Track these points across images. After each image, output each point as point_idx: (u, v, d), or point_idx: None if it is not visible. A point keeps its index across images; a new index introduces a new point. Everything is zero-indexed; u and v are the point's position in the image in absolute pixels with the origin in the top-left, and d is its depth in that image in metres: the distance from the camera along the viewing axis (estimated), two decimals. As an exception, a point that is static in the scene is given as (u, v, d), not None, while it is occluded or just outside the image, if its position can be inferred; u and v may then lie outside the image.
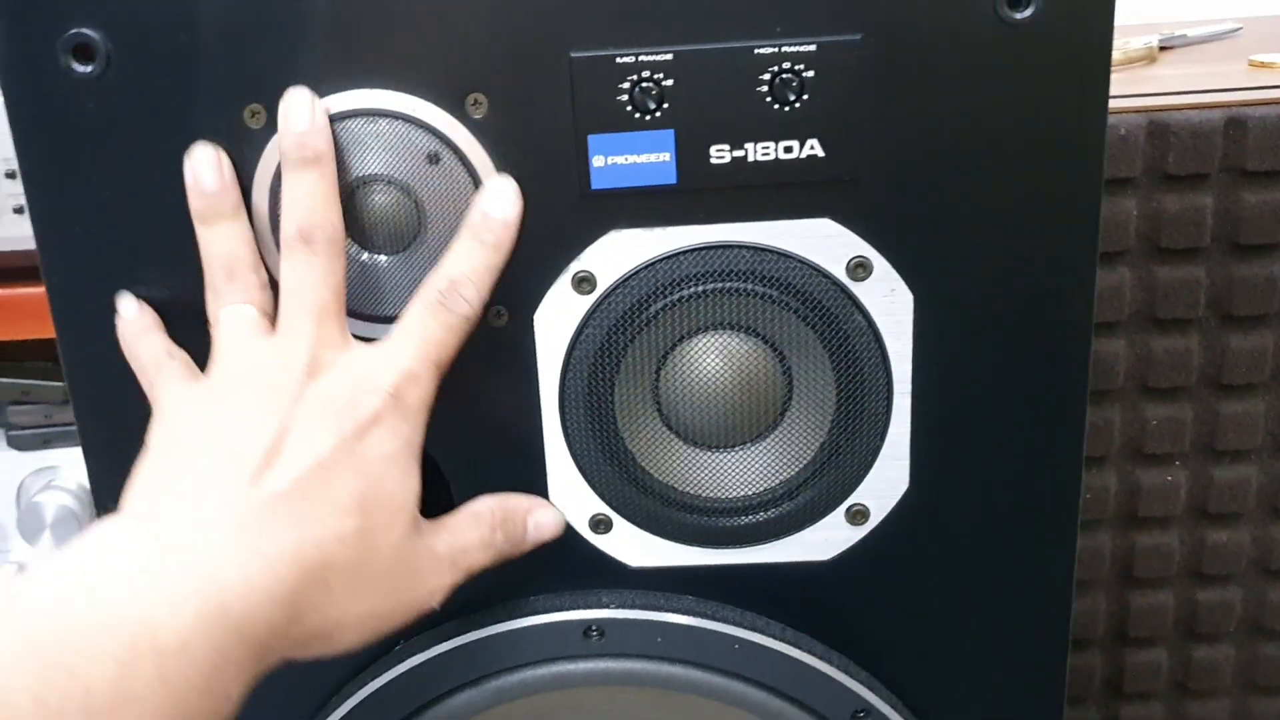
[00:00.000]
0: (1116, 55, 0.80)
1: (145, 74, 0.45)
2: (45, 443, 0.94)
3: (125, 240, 0.47)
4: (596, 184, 0.46)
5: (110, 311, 0.48)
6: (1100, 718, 0.76)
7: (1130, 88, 0.70)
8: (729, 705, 0.53)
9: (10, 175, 0.80)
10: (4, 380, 0.93)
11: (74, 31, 0.44)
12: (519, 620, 0.52)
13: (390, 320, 0.47)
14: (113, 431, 0.50)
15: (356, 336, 0.47)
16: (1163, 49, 0.85)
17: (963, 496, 0.51)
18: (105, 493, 0.51)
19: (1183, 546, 0.72)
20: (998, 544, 0.52)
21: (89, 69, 0.45)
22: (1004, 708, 0.54)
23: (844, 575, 0.52)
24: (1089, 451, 0.70)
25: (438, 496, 0.50)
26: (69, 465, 0.95)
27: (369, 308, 0.48)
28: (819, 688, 0.52)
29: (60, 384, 0.94)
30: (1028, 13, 0.45)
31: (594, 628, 0.52)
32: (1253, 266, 0.67)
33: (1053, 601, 0.53)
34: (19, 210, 0.81)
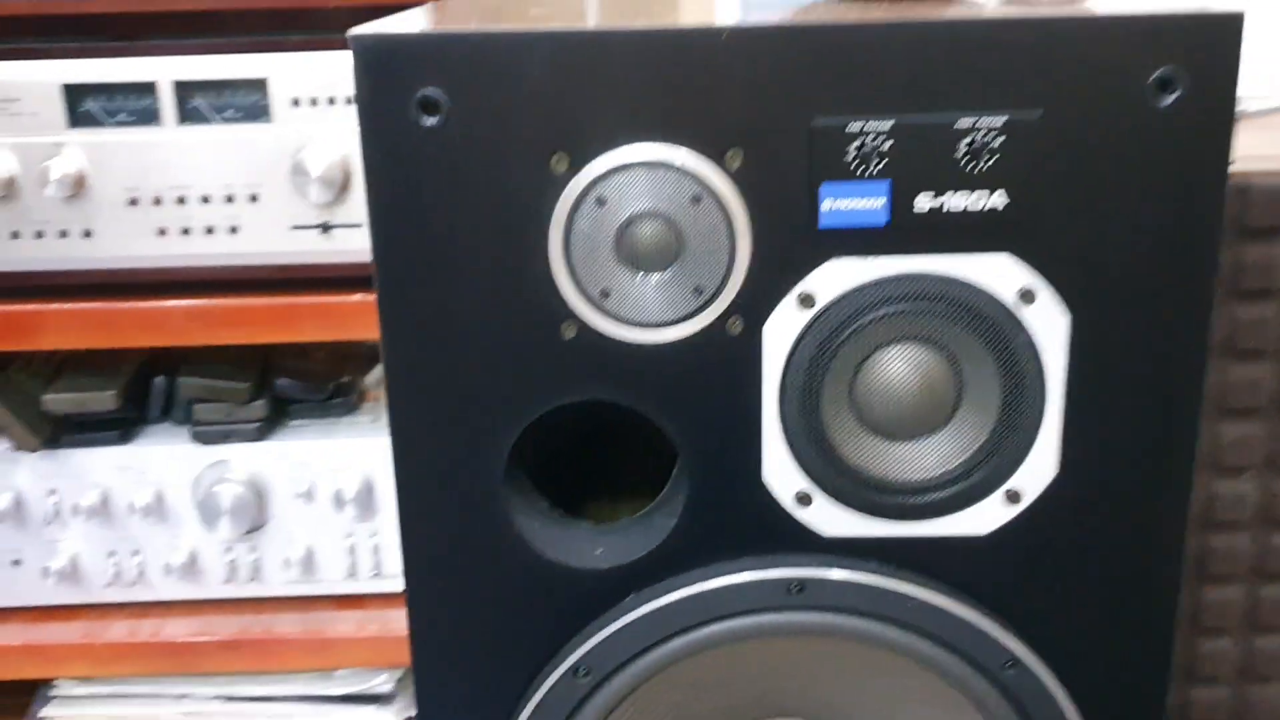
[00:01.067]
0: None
1: (474, 125, 0.57)
2: (224, 438, 1.06)
3: (449, 262, 0.59)
4: (823, 224, 0.58)
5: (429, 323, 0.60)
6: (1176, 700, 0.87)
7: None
8: (903, 654, 0.64)
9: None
10: (192, 380, 1.05)
11: (422, 91, 0.57)
12: (733, 577, 0.63)
13: (656, 325, 0.59)
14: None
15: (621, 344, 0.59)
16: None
17: (1099, 486, 0.63)
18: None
19: (1253, 546, 0.84)
20: (1124, 528, 0.63)
21: (433, 121, 0.57)
22: (1122, 665, 0.66)
23: (999, 548, 0.64)
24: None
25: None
26: (239, 459, 1.06)
27: (639, 316, 0.60)
28: (977, 641, 0.64)
29: (241, 384, 1.06)
30: (1170, 100, 0.57)
31: (795, 585, 0.63)
32: (1316, 307, 0.79)
33: (1166, 579, 0.64)
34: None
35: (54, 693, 1.14)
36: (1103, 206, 0.58)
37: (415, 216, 0.58)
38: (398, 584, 0.91)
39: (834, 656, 0.66)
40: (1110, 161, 0.58)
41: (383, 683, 1.11)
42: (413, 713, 1.06)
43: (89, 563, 1.08)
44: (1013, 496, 0.63)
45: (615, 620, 0.64)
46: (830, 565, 0.63)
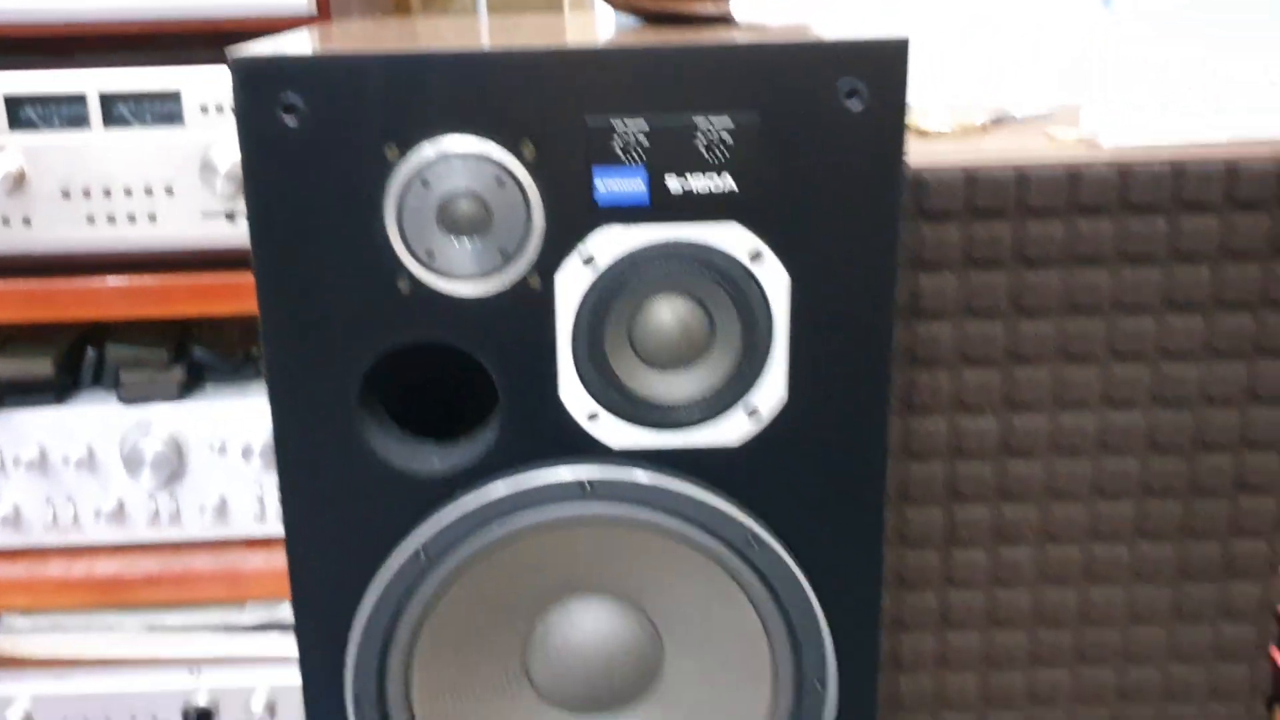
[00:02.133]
0: (956, 126, 1.12)
1: (326, 125, 0.75)
2: (147, 400, 1.22)
3: (310, 236, 0.76)
4: (600, 201, 0.76)
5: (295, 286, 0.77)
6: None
7: (961, 149, 1.01)
8: (673, 538, 0.82)
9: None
10: (119, 348, 1.21)
11: (284, 98, 0.74)
12: (539, 476, 0.81)
13: (471, 279, 0.77)
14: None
15: (446, 296, 0.76)
16: (995, 123, 1.17)
17: (819, 406, 0.81)
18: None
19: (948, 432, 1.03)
20: (840, 436, 0.82)
21: (294, 122, 0.74)
22: (843, 540, 0.84)
23: (746, 454, 0.82)
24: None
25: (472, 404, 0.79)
26: (160, 418, 1.23)
27: (458, 272, 0.77)
28: (728, 525, 0.82)
29: (162, 353, 1.22)
30: (857, 106, 0.75)
31: (587, 483, 0.81)
32: (1037, 274, 0.98)
33: (873, 473, 0.83)
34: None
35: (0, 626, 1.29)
36: (809, 189, 0.77)
37: (282, 201, 0.76)
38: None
39: (624, 543, 0.83)
40: (814, 154, 0.76)
41: (289, 613, 1.27)
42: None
43: (29, 510, 1.24)
44: (753, 413, 0.81)
45: (447, 513, 0.81)
46: (615, 467, 0.81)
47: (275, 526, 1.26)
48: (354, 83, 0.74)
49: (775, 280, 0.78)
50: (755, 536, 0.82)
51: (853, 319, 0.80)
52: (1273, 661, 1.13)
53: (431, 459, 0.83)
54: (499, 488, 0.81)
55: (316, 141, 0.75)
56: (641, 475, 0.81)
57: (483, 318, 0.78)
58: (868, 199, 0.77)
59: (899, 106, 0.76)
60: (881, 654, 1.08)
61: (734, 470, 0.82)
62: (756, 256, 0.78)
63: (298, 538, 0.83)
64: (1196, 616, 1.10)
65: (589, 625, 0.88)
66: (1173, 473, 1.05)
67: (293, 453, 0.82)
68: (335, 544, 0.83)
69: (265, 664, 1.27)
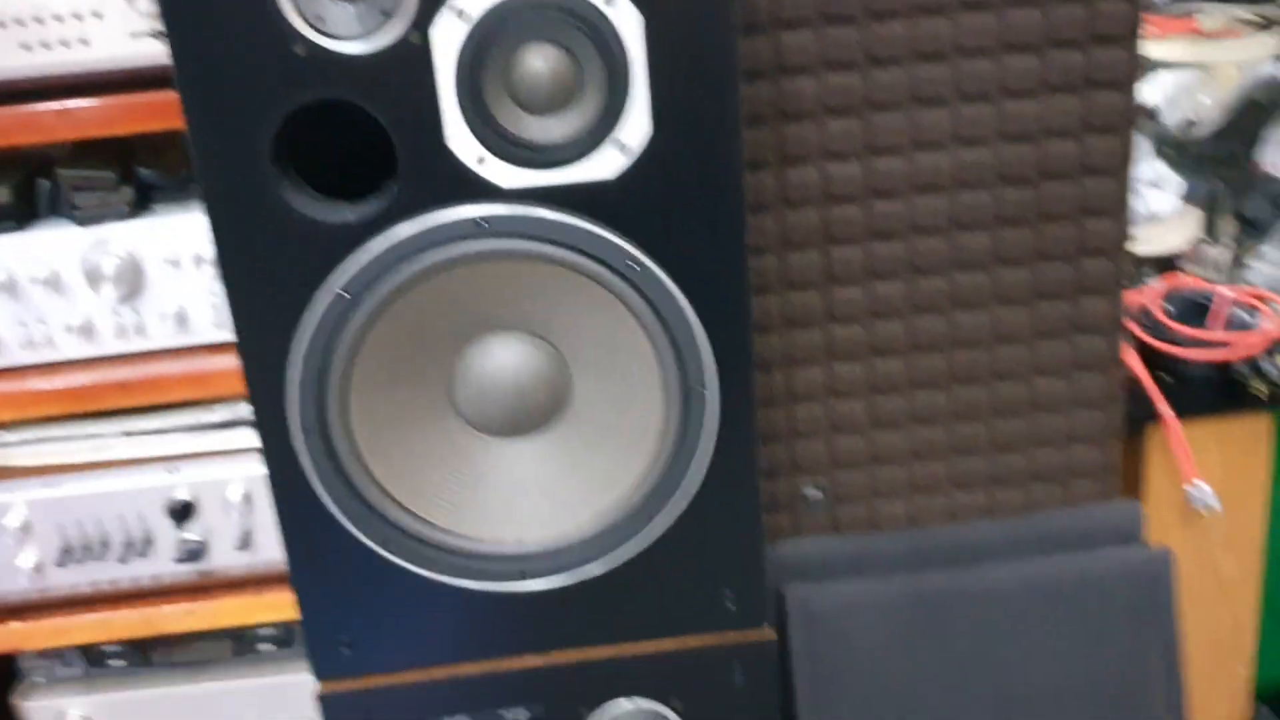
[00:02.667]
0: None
1: None
2: (101, 220, 1.32)
3: (218, 23, 0.87)
4: (464, -42, 0.86)
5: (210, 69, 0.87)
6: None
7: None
8: (564, 265, 0.94)
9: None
10: (69, 172, 1.31)
11: None
12: (439, 216, 0.92)
13: (358, 38, 0.87)
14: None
15: (338, 55, 0.87)
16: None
17: (679, 137, 0.92)
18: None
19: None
20: (702, 165, 0.93)
21: None
22: (710, 256, 0.96)
23: (622, 187, 0.93)
24: (795, 151, 1.12)
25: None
26: (116, 237, 1.33)
27: (346, 33, 0.88)
28: (613, 252, 0.94)
29: (110, 173, 1.33)
30: None
31: (482, 220, 0.92)
32: (885, 26, 1.09)
33: (731, 190, 0.94)
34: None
35: (-12, 437, 1.41)
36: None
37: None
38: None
39: (525, 279, 0.95)
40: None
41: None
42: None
43: (5, 331, 1.35)
44: (623, 147, 0.92)
45: (360, 256, 0.93)
46: (506, 205, 0.93)
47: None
48: None
49: (629, 21, 0.89)
50: (634, 259, 0.94)
51: (701, 53, 0.90)
52: (1126, 368, 1.27)
53: (344, 212, 0.94)
54: (404, 229, 0.93)
55: None
56: (530, 210, 0.93)
57: (373, 74, 0.89)
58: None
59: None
60: (775, 387, 1.21)
61: (611, 202, 0.94)
62: (610, 1, 0.89)
63: (236, 295, 0.95)
64: (1054, 333, 1.23)
65: (504, 358, 1.00)
66: (1022, 201, 1.17)
67: (222, 217, 0.93)
68: (268, 295, 0.95)
69: (238, 457, 1.40)
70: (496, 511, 1.03)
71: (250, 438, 1.42)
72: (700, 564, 1.05)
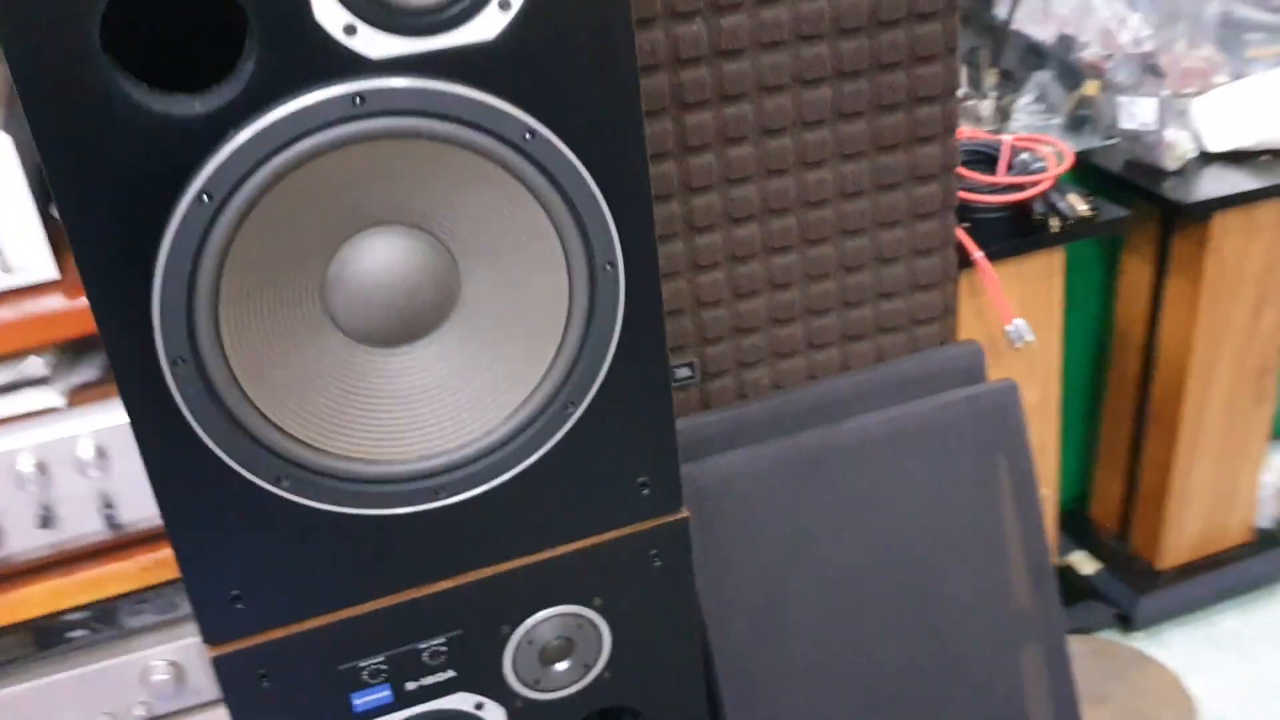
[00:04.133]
0: None
1: None
2: None
3: None
4: None
5: None
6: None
7: None
8: (449, 140, 0.85)
9: None
10: None
11: None
12: (306, 98, 0.81)
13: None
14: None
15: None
16: None
17: (566, -12, 0.85)
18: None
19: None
20: (587, 17, 0.86)
21: None
22: (606, 121, 0.90)
23: (505, 48, 0.85)
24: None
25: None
26: None
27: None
28: (502, 121, 0.86)
29: None
30: None
31: (357, 96, 0.82)
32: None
33: (624, 45, 0.88)
34: None
35: None
36: None
37: None
38: (41, 273, 1.03)
39: (404, 161, 0.86)
40: None
41: (38, 367, 1.21)
42: (77, 382, 1.18)
43: None
44: (503, 3, 0.84)
45: (222, 152, 0.80)
46: (383, 78, 0.82)
47: (14, 278, 1.18)
48: None
49: None
50: (530, 130, 0.87)
51: None
52: (956, 214, 1.31)
53: (191, 103, 0.81)
54: (270, 116, 0.81)
55: None
56: (412, 82, 0.83)
57: (219, -64, 0.77)
58: None
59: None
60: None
61: (496, 66, 0.85)
62: None
63: (73, 213, 0.80)
64: (893, 186, 1.25)
65: (383, 257, 0.90)
66: (859, 52, 1.17)
67: (47, 122, 0.78)
68: (114, 210, 0.81)
69: (24, 424, 1.22)
70: (396, 428, 0.94)
71: (40, 397, 1.24)
72: (616, 453, 1.00)
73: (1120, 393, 1.89)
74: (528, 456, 0.97)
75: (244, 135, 0.81)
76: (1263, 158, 1.68)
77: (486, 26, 0.84)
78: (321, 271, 0.89)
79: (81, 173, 0.79)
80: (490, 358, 0.95)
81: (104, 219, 0.81)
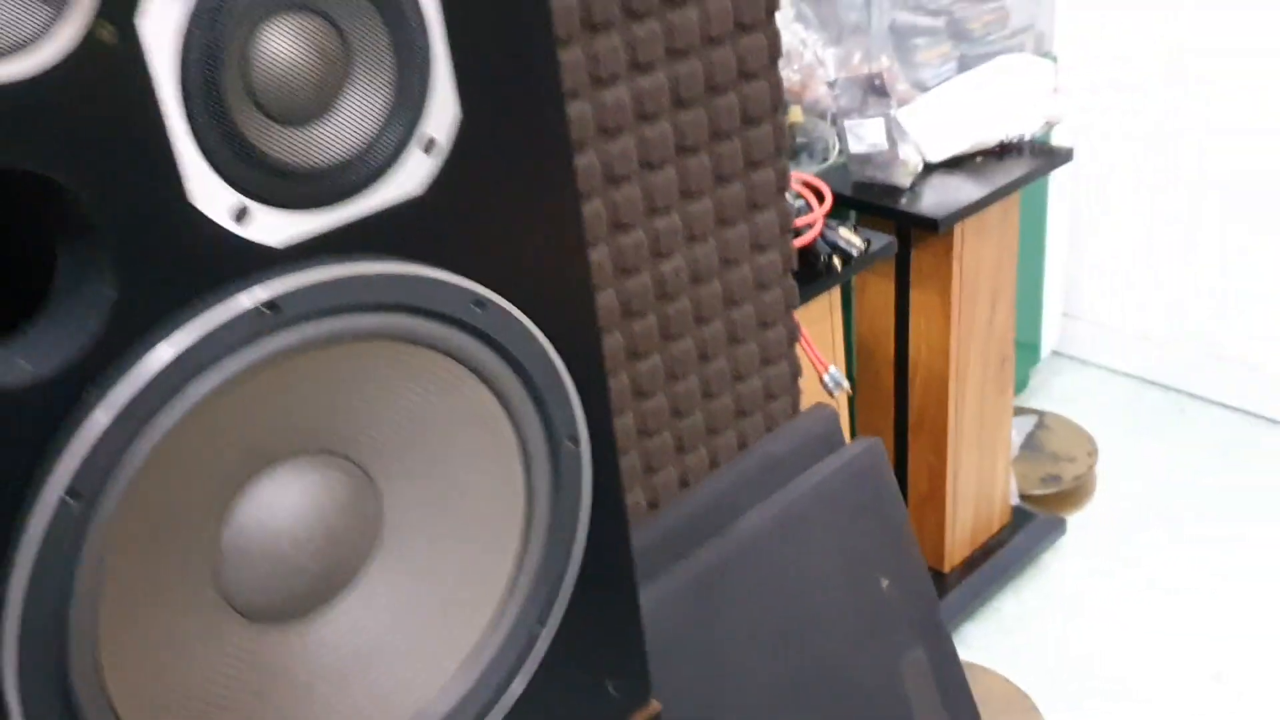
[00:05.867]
0: None
1: None
2: None
3: None
4: (169, -116, 0.50)
5: None
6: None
7: None
8: (384, 335, 0.63)
9: None
10: None
11: None
12: (198, 327, 0.56)
13: (13, 51, 0.48)
14: None
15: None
16: None
17: (494, 117, 0.65)
18: None
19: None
20: (522, 154, 0.67)
21: None
22: (550, 273, 0.71)
23: (435, 202, 0.64)
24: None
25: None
26: None
27: (-9, 42, 0.48)
28: (444, 294, 0.64)
29: None
30: None
31: (267, 306, 0.58)
32: None
33: (565, 186, 0.70)
34: None
35: None
36: None
37: None
38: None
39: (314, 374, 0.62)
40: None
41: None
42: None
43: None
44: (429, 145, 0.63)
45: (89, 430, 0.54)
46: (293, 272, 0.59)
47: None
48: None
49: (415, -37, 0.59)
50: (478, 299, 0.66)
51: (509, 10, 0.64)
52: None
53: (14, 361, 0.53)
54: (151, 361, 0.55)
55: None
56: (330, 270, 0.60)
57: (52, 110, 0.50)
58: None
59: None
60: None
61: (430, 227, 0.64)
62: (389, -67, 0.58)
63: None
64: (736, 261, 1.13)
65: (288, 508, 0.65)
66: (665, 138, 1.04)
67: None
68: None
69: None
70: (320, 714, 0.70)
71: None
72: (585, 662, 0.81)
73: (875, 409, 1.89)
74: (492, 707, 0.75)
75: (121, 395, 0.54)
76: (977, 159, 1.73)
77: (410, 178, 0.63)
78: (211, 542, 0.63)
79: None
80: (431, 595, 0.73)
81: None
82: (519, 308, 0.68)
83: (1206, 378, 2.37)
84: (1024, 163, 1.74)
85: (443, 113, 0.63)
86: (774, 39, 1.07)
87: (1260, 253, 2.20)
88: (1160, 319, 2.40)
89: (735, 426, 1.19)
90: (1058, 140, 1.98)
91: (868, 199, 1.67)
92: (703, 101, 1.04)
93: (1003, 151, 1.77)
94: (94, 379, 0.54)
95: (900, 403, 1.85)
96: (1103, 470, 2.21)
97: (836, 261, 1.46)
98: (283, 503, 0.65)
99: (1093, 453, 2.22)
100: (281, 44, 0.57)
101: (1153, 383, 2.46)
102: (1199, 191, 2.23)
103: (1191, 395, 2.41)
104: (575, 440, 0.74)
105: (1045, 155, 1.77)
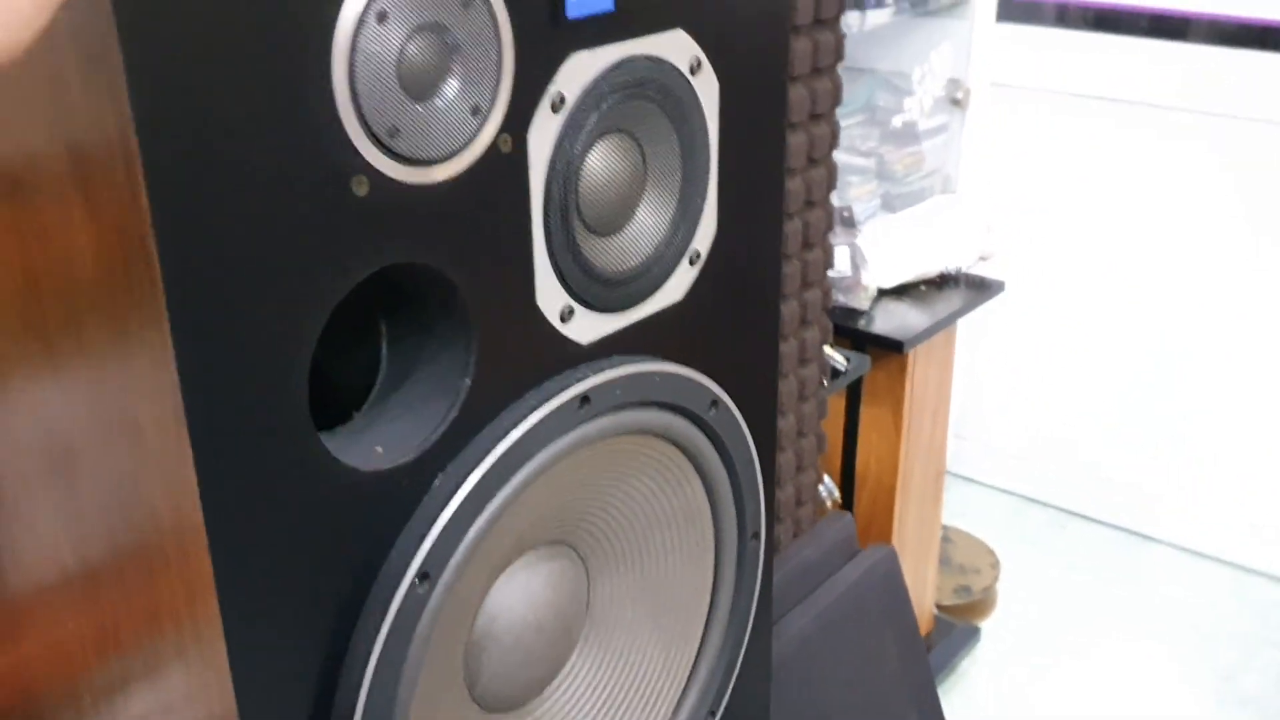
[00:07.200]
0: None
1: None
2: None
3: (226, 128, 0.44)
4: (570, 14, 0.56)
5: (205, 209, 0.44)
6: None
7: None
8: (656, 435, 0.67)
9: None
10: None
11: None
12: (531, 418, 0.59)
13: (443, 160, 0.52)
14: None
15: (414, 189, 0.51)
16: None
17: (742, 236, 0.71)
18: None
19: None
20: (751, 263, 0.73)
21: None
22: (751, 371, 0.77)
23: (686, 308, 0.69)
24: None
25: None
26: None
27: (428, 152, 0.51)
28: (691, 392, 0.69)
29: None
30: None
31: (581, 399, 0.62)
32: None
33: (771, 285, 0.76)
34: None
35: None
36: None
37: (180, 77, 0.42)
38: None
39: (593, 463, 0.66)
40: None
41: None
42: None
43: None
44: (694, 258, 0.69)
45: (446, 508, 0.56)
46: (601, 370, 0.63)
47: None
48: None
49: (709, 91, 0.66)
50: (715, 399, 0.71)
51: (760, 124, 0.71)
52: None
53: (371, 449, 0.56)
54: (499, 447, 0.58)
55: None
56: (625, 369, 0.65)
57: (454, 211, 0.54)
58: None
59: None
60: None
61: (680, 329, 0.69)
62: (696, 67, 0.64)
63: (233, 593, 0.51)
64: (783, 374, 1.21)
65: (534, 595, 0.68)
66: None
67: (218, 474, 0.49)
68: (284, 591, 0.53)
69: None
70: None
71: None
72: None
73: (812, 516, 1.98)
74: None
75: (471, 480, 0.57)
76: (921, 287, 1.87)
77: (679, 286, 0.68)
78: (468, 630, 0.66)
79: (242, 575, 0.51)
80: (628, 682, 0.76)
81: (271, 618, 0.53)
82: (740, 410, 0.74)
83: (1085, 496, 2.56)
84: (962, 293, 1.89)
85: (706, 228, 0.69)
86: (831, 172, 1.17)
87: (1133, 377, 2.42)
88: (1041, 440, 2.59)
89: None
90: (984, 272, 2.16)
91: (832, 320, 1.78)
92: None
93: (942, 282, 1.92)
94: (444, 465, 0.57)
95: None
96: (1002, 583, 2.36)
97: (823, 378, 1.56)
98: (531, 590, 0.68)
99: (995, 565, 2.36)
100: (604, 160, 0.62)
101: (1035, 500, 2.65)
102: (1076, 319, 2.45)
103: (1072, 513, 2.60)
104: (757, 536, 0.79)
105: (980, 287, 1.93)
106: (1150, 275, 2.30)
